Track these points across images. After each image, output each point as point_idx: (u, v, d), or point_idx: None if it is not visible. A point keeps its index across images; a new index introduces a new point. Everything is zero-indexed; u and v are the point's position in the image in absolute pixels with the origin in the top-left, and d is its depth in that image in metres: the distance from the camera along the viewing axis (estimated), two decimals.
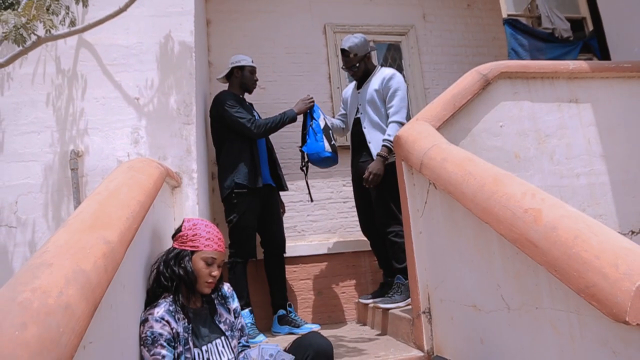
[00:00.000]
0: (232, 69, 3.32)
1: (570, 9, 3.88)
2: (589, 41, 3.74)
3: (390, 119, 2.99)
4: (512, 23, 3.60)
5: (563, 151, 2.77)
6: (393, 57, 4.45)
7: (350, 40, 3.11)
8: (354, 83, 3.32)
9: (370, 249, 3.32)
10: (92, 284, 1.15)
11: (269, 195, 3.27)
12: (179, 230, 1.86)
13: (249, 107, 3.34)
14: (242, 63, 3.33)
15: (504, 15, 3.63)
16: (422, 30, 4.45)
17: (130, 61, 2.73)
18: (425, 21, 4.48)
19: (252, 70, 3.37)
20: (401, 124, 2.89)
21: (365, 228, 3.26)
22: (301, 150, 3.24)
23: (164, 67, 2.76)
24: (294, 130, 3.54)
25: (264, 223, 3.24)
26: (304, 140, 3.22)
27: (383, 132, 3.01)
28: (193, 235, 1.80)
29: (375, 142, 3.02)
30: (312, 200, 3.42)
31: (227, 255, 3.06)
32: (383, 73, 3.11)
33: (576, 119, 2.83)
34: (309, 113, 3.29)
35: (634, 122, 2.93)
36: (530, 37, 3.57)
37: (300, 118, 3.33)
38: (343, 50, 3.15)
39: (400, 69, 4.40)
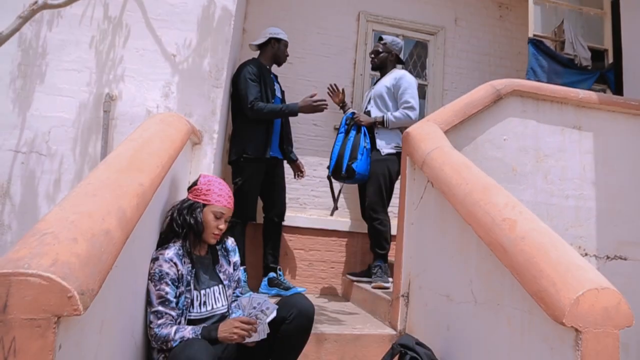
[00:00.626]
0: (270, 39, 3.46)
1: (594, 39, 3.98)
2: (606, 73, 3.86)
3: (403, 107, 3.29)
4: (536, 43, 3.72)
5: (558, 172, 2.94)
6: (419, 54, 4.58)
7: (390, 37, 3.57)
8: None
9: (363, 231, 3.56)
10: (127, 218, 1.37)
11: (274, 165, 3.45)
12: (194, 183, 2.06)
13: (272, 80, 3.47)
14: (280, 36, 3.48)
15: (530, 35, 3.75)
16: (451, 33, 4.56)
17: (173, 19, 2.89)
18: (456, 25, 4.59)
19: (287, 45, 3.54)
20: (409, 116, 3.25)
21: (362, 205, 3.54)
22: (351, 167, 3.25)
23: (203, 30, 2.92)
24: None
25: (267, 191, 3.44)
26: (353, 156, 3.27)
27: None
28: (207, 190, 2.01)
29: (380, 134, 3.32)
30: (336, 209, 3.54)
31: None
32: (395, 73, 3.42)
33: (576, 145, 3.00)
34: (358, 128, 3.37)
35: (630, 157, 3.09)
36: (551, 59, 3.69)
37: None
38: (380, 38, 3.54)
39: (423, 67, 4.55)
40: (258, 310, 1.81)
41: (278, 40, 3.48)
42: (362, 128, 3.34)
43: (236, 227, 3.24)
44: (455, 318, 1.99)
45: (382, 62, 3.50)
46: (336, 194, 3.50)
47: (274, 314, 1.82)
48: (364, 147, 3.28)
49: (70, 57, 2.78)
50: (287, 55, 3.59)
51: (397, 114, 3.27)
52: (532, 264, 1.40)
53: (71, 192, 1.39)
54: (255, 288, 3.42)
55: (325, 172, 3.63)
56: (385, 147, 3.29)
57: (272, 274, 3.43)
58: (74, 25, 2.80)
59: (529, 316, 1.47)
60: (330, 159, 3.39)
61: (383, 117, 3.29)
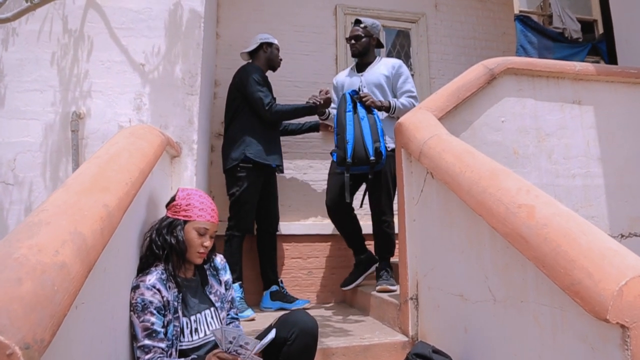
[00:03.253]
0: (262, 44, 3.34)
1: (582, 10, 3.84)
2: (597, 44, 3.73)
3: (407, 96, 3.08)
4: (522, 20, 3.58)
5: (561, 151, 2.78)
6: (402, 44, 4.42)
7: (370, 19, 3.24)
8: (347, 69, 3.33)
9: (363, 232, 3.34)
10: (88, 246, 1.17)
11: (270, 174, 3.30)
12: (172, 199, 1.87)
13: (270, 87, 3.32)
14: (271, 40, 3.37)
15: (516, 11, 3.60)
16: (433, 20, 4.41)
17: (138, 26, 2.71)
18: (437, 10, 4.44)
19: (279, 49, 3.43)
20: (415, 105, 2.93)
21: (334, 204, 3.09)
22: (379, 150, 2.83)
23: (172, 35, 2.74)
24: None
25: (262, 200, 3.27)
26: (375, 138, 2.85)
27: (392, 119, 3.03)
28: (186, 205, 1.81)
29: (384, 127, 2.98)
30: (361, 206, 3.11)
31: (226, 228, 3.10)
32: (390, 61, 3.19)
33: (577, 120, 2.84)
34: (367, 108, 2.95)
35: (635, 128, 2.94)
36: (540, 35, 3.55)
37: None
38: (357, 20, 3.22)
39: (407, 56, 4.38)
40: (236, 345, 1.57)
41: (269, 44, 3.37)
42: (372, 109, 2.97)
43: (233, 240, 3.07)
44: (473, 319, 1.81)
45: (365, 47, 3.17)
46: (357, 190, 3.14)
47: (265, 329, 1.60)
48: (382, 128, 2.91)
49: (30, 76, 2.59)
50: (281, 60, 3.46)
51: (403, 101, 3.04)
52: (559, 254, 1.22)
53: (22, 222, 1.20)
54: (253, 304, 3.23)
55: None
56: (390, 141, 2.97)
57: (274, 287, 3.26)
58: (31, 42, 2.61)
59: (561, 312, 1.29)
60: (344, 142, 2.83)
61: (389, 102, 3.02)
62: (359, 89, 3.08)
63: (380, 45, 3.34)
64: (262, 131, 3.16)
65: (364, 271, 3.15)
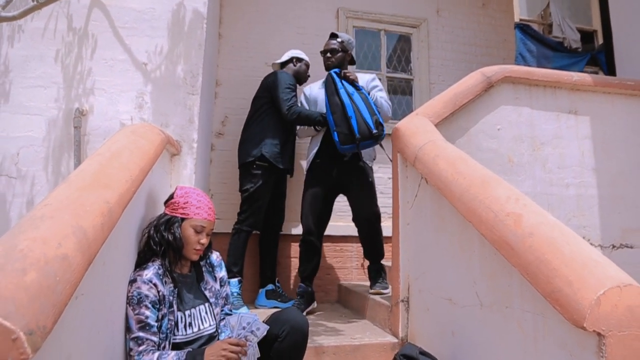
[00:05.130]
0: (292, 57, 3.48)
1: (583, 20, 3.88)
2: (597, 54, 3.76)
3: (380, 96, 3.09)
4: (522, 28, 3.62)
5: (556, 160, 2.82)
6: (402, 48, 4.46)
7: (346, 35, 3.27)
8: (319, 82, 3.30)
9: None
10: (89, 240, 1.22)
11: (283, 174, 3.39)
12: (171, 197, 1.91)
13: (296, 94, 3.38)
14: (302, 56, 3.51)
15: (516, 19, 3.64)
16: (434, 25, 4.45)
17: (141, 26, 2.75)
18: (438, 16, 4.48)
19: (308, 65, 3.55)
20: (388, 105, 3.08)
21: (314, 232, 3.11)
22: (379, 122, 2.86)
23: (174, 35, 2.78)
24: None
25: (273, 199, 3.36)
26: (372, 112, 2.88)
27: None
28: (184, 203, 1.86)
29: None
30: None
31: (235, 222, 3.17)
32: (365, 76, 3.21)
33: (573, 130, 2.88)
34: (348, 82, 2.97)
35: (630, 140, 2.98)
36: (539, 44, 3.59)
37: None
38: (333, 34, 3.21)
39: (408, 61, 4.43)
40: (248, 330, 1.66)
41: (299, 59, 3.50)
42: (358, 85, 2.99)
43: (241, 234, 3.12)
44: (460, 323, 1.85)
45: (340, 62, 3.14)
46: None
47: (264, 334, 1.67)
48: (373, 103, 2.94)
49: (35, 72, 2.62)
50: (309, 76, 3.57)
51: (384, 102, 3.06)
52: (543, 262, 1.26)
53: (26, 216, 1.24)
54: (251, 301, 3.27)
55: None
56: (368, 160, 3.11)
57: (270, 286, 3.31)
58: (36, 39, 2.64)
59: (543, 319, 1.34)
60: (345, 119, 2.81)
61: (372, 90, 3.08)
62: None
63: (352, 62, 3.33)
64: (280, 134, 3.25)
65: (308, 305, 3.09)
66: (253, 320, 1.67)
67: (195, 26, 2.82)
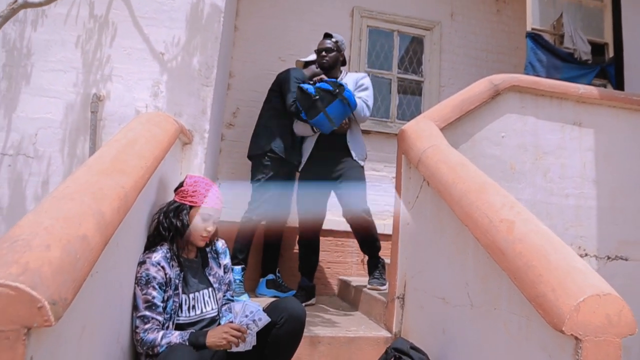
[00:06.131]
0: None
1: (594, 32, 3.92)
2: (606, 67, 3.80)
3: (361, 98, 3.11)
4: (534, 37, 3.66)
5: (557, 170, 2.88)
6: (414, 50, 4.52)
7: (339, 35, 3.31)
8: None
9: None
10: (107, 222, 1.30)
11: (294, 168, 3.44)
12: (180, 185, 2.00)
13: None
14: None
15: (528, 29, 3.69)
16: (448, 29, 4.50)
17: (160, 16, 2.83)
18: (452, 20, 4.53)
19: None
20: (364, 109, 3.10)
21: (314, 224, 3.23)
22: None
23: (192, 27, 2.86)
24: None
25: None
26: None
27: (359, 131, 3.23)
28: (193, 192, 1.94)
29: (353, 141, 3.14)
30: None
31: (245, 211, 3.25)
32: (355, 75, 3.26)
33: (576, 142, 2.94)
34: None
35: (632, 154, 3.03)
36: (550, 54, 3.63)
37: None
38: (328, 34, 3.25)
39: (419, 63, 4.48)
40: (250, 319, 1.75)
41: None
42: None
43: (249, 223, 3.20)
44: (451, 321, 1.93)
45: (334, 62, 3.20)
46: None
47: (264, 325, 1.77)
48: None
49: (56, 57, 2.71)
50: None
51: (357, 101, 3.06)
52: (530, 268, 1.34)
53: (48, 196, 1.33)
54: (251, 289, 3.37)
55: None
56: (360, 159, 3.16)
57: (271, 276, 3.40)
58: (59, 24, 2.73)
59: (527, 322, 1.41)
60: (307, 94, 2.98)
61: (345, 86, 3.03)
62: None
63: (344, 62, 3.36)
64: (291, 128, 3.33)
65: (309, 298, 3.19)
66: (256, 310, 1.76)
67: (212, 19, 2.89)
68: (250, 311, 1.77)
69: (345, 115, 3.04)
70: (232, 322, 1.77)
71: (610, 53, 3.87)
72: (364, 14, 4.29)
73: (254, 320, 1.75)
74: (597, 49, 3.88)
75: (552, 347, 1.29)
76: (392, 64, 4.41)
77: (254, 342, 1.74)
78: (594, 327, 1.18)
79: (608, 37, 3.89)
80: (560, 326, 1.19)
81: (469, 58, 4.52)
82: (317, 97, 2.93)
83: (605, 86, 3.78)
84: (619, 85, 3.70)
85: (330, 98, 2.92)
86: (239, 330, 1.71)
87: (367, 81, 3.23)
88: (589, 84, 3.58)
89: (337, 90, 2.93)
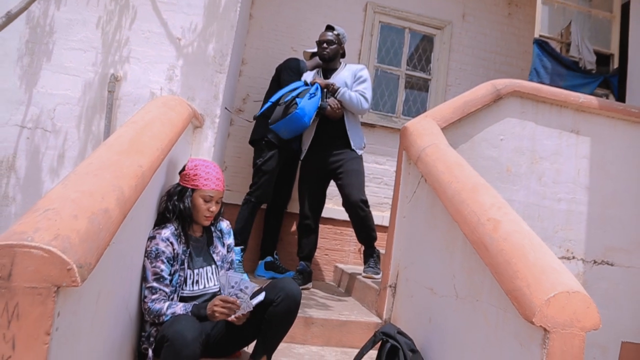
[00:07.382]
0: None
1: (601, 42, 3.98)
2: (610, 77, 3.87)
3: (359, 92, 3.15)
4: (541, 44, 3.73)
5: (552, 175, 2.99)
6: (424, 48, 4.59)
7: (341, 28, 3.35)
8: (312, 73, 3.39)
9: None
10: (125, 198, 1.43)
11: (293, 158, 3.55)
12: (183, 169, 2.11)
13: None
14: None
15: (536, 35, 3.75)
16: (458, 29, 4.57)
17: (179, 2, 2.93)
18: (463, 20, 4.59)
19: None
20: (362, 103, 3.12)
21: (314, 212, 3.33)
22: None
23: (209, 15, 2.96)
24: None
25: (281, 178, 3.59)
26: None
27: (357, 122, 3.28)
28: (194, 175, 2.05)
29: (352, 130, 3.19)
30: None
31: (246, 193, 3.38)
32: (354, 66, 3.31)
33: (572, 149, 3.04)
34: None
35: (627, 164, 3.13)
36: (555, 61, 3.71)
37: None
38: (330, 27, 3.31)
39: (428, 61, 4.57)
40: (237, 289, 1.86)
41: None
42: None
43: (249, 204, 3.33)
44: (437, 311, 2.06)
45: (334, 54, 3.26)
46: None
47: (255, 292, 1.89)
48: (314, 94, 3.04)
49: (77, 36, 2.83)
50: None
51: (353, 94, 3.11)
52: (509, 264, 1.46)
53: (73, 171, 1.45)
54: (251, 270, 3.51)
55: None
56: (358, 149, 3.22)
57: (269, 258, 3.55)
58: (81, 5, 2.84)
59: (504, 313, 1.54)
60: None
61: (340, 88, 3.11)
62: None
63: (344, 55, 3.41)
64: None
65: (305, 283, 3.28)
66: (240, 280, 1.87)
67: (229, 8, 2.99)
68: (235, 282, 1.87)
69: (295, 133, 3.14)
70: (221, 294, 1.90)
71: (615, 64, 3.93)
72: (378, 9, 4.37)
73: (241, 289, 1.86)
74: (603, 59, 3.94)
75: (523, 337, 1.41)
76: (402, 61, 4.49)
77: (250, 308, 1.85)
78: (562, 320, 1.31)
79: (614, 48, 3.96)
80: (531, 317, 1.32)
81: (477, 59, 4.60)
82: (282, 103, 3.00)
83: (607, 96, 3.85)
84: (620, 96, 3.77)
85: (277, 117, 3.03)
86: (226, 301, 1.83)
87: (365, 73, 3.25)
88: (591, 93, 3.65)
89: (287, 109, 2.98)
